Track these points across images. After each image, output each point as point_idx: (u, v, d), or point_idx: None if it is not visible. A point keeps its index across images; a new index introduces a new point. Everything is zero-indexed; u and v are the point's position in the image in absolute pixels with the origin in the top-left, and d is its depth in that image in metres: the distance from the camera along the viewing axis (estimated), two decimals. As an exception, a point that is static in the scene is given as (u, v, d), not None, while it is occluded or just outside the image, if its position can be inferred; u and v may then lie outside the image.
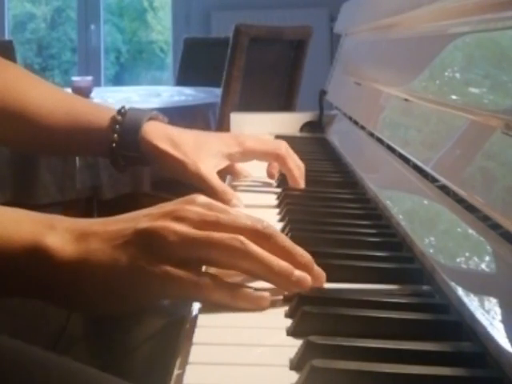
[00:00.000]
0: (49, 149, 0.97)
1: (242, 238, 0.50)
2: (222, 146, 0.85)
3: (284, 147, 0.88)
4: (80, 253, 0.51)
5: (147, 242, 0.50)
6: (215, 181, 0.83)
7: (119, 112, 0.85)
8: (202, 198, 0.54)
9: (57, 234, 0.52)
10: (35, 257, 0.51)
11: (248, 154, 0.87)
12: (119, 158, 0.85)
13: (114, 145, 0.84)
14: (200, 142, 0.84)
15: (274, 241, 0.52)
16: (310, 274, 0.52)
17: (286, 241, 0.53)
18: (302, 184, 0.88)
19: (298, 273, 0.51)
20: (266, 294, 0.51)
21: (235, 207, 0.80)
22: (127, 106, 0.86)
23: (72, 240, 0.51)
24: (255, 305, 0.50)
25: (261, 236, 0.51)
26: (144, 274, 0.50)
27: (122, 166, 0.86)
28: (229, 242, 0.50)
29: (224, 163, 0.86)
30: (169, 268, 0.49)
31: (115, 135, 0.83)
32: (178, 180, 0.85)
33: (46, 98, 0.87)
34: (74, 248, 0.51)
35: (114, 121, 0.84)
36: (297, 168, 0.88)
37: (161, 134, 0.83)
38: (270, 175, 0.92)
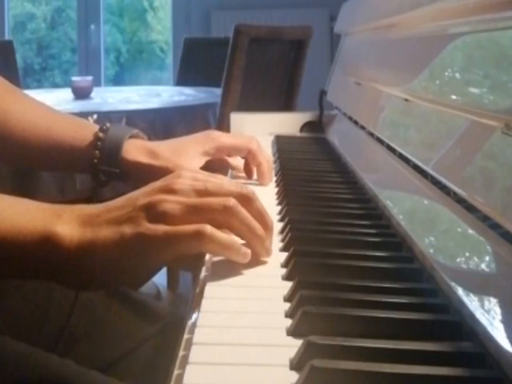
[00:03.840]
0: (28, 162, 0.98)
1: (233, 200, 0.57)
2: (196, 145, 0.89)
3: (255, 142, 0.92)
4: (88, 236, 0.55)
5: (148, 214, 0.55)
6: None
7: (101, 129, 0.88)
8: (187, 172, 0.60)
9: (64, 221, 0.56)
10: (47, 244, 0.55)
11: (222, 149, 0.91)
12: (100, 174, 0.88)
13: (95, 161, 0.87)
14: (177, 148, 0.89)
15: (254, 203, 0.60)
16: (269, 236, 0.61)
17: (261, 204, 0.61)
18: (269, 178, 0.93)
19: (267, 242, 0.60)
20: (250, 251, 0.58)
21: None
22: (108, 124, 0.89)
23: (79, 225, 0.56)
24: (242, 258, 0.58)
25: (245, 198, 0.59)
26: (148, 238, 0.54)
27: (103, 181, 0.89)
28: (223, 203, 0.57)
29: (202, 161, 0.89)
30: (169, 227, 0.55)
31: (97, 151, 0.87)
32: None
33: (28, 111, 0.88)
34: (81, 233, 0.55)
35: (96, 137, 0.87)
36: (266, 162, 0.93)
37: (140, 150, 0.87)
38: (248, 173, 0.95)
